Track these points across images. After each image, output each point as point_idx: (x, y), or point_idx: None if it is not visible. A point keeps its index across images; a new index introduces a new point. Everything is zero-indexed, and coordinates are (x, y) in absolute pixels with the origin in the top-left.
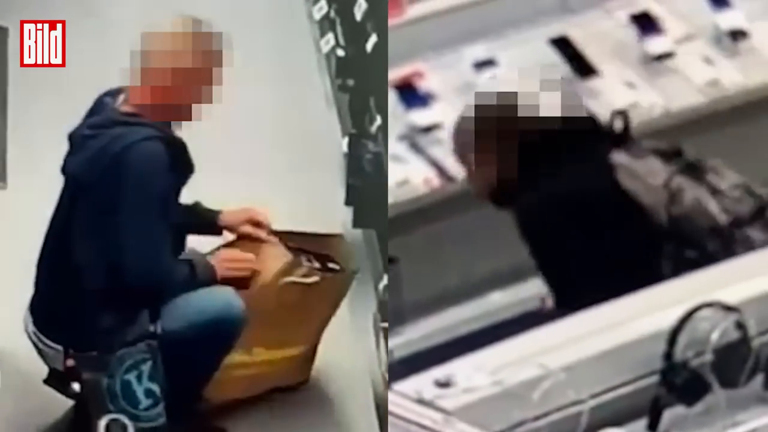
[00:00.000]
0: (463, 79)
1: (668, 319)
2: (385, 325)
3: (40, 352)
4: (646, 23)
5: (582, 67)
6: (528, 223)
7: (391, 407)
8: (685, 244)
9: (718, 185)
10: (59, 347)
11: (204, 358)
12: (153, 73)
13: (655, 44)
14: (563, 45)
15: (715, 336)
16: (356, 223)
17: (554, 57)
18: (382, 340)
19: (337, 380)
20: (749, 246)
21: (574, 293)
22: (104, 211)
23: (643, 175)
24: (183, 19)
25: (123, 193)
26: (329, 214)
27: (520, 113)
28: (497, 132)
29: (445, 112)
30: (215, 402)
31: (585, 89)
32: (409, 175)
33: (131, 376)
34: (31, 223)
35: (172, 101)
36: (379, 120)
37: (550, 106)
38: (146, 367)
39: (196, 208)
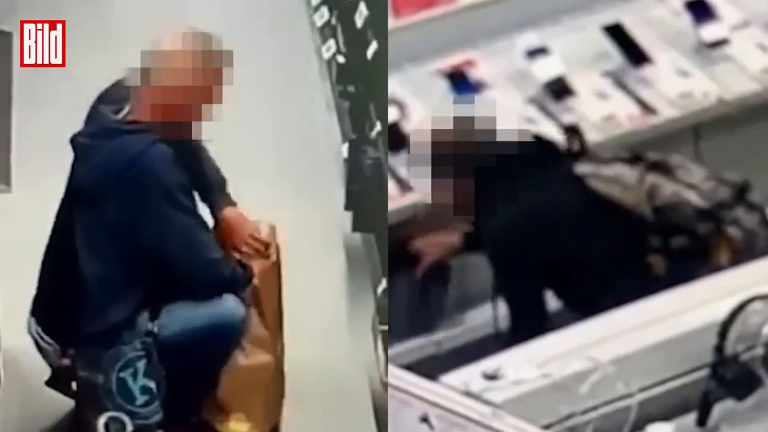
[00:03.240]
0: (515, 68)
1: (719, 311)
2: (384, 328)
3: (40, 349)
4: (700, 10)
5: (635, 54)
6: (506, 246)
7: (438, 399)
8: (672, 233)
9: (689, 180)
10: (56, 345)
11: (201, 362)
12: (160, 92)
13: (710, 31)
14: (616, 32)
15: (766, 329)
16: (355, 228)
17: (607, 45)
18: (380, 343)
19: (335, 383)
20: (740, 226)
21: (578, 299)
22: (124, 216)
23: (615, 178)
24: (193, 34)
25: (148, 197)
26: (329, 218)
27: (477, 138)
28: (453, 156)
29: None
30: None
31: (638, 77)
32: None
33: (126, 374)
34: (35, 224)
35: (177, 119)
36: (378, 126)
37: (507, 131)
38: (141, 365)
39: None
